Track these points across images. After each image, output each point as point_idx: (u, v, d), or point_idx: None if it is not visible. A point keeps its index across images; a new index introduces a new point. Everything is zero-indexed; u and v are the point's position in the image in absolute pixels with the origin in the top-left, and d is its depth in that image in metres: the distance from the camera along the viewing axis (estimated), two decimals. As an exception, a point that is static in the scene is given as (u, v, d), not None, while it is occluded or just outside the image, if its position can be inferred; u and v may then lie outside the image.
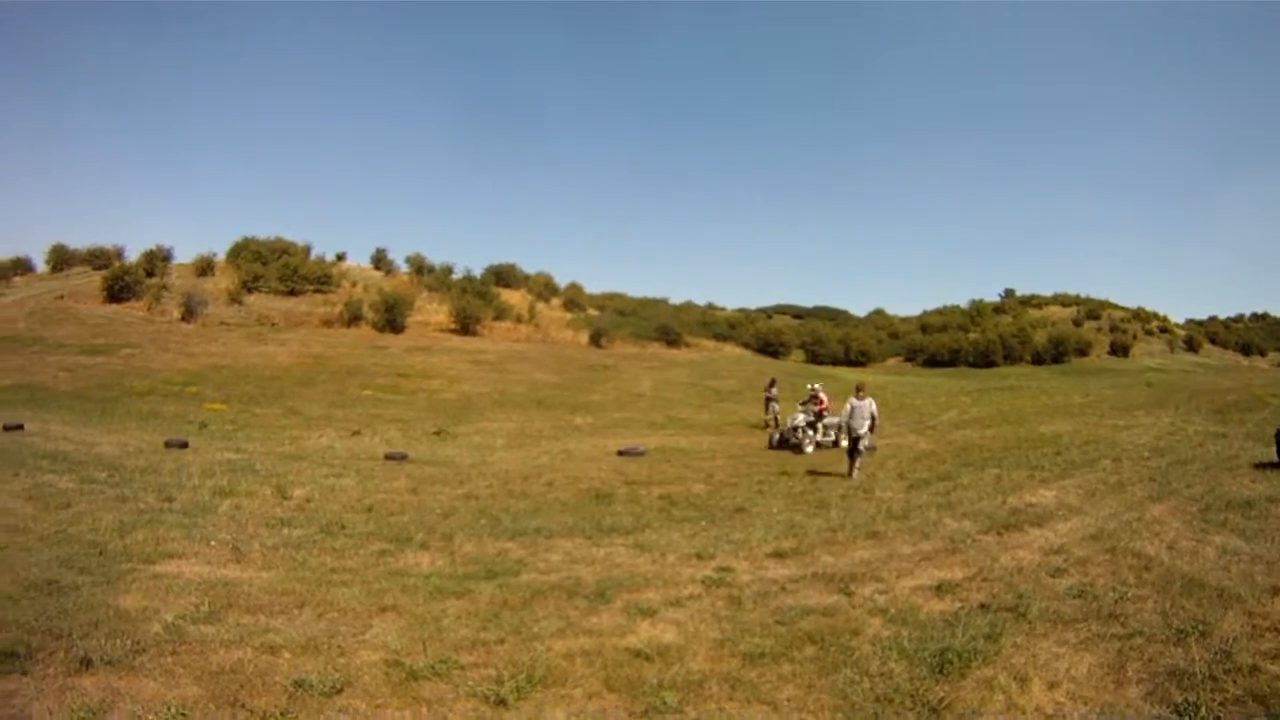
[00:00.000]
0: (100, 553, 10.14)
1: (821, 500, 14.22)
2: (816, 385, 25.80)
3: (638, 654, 6.89)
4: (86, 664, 6.49)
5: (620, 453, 22.73)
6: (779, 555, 10.22)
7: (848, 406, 17.54)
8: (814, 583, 8.94)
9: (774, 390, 31.82)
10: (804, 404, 24.41)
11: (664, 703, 5.90)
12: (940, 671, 6.26)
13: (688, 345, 70.74)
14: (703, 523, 12.69)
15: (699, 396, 42.81)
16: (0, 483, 14.29)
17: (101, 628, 7.33)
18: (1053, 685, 6.11)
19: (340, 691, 6.17)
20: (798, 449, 22.49)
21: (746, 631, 7.35)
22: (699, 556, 10.35)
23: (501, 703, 5.99)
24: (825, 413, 23.54)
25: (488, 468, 19.66)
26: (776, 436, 23.73)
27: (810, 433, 22.82)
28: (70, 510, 12.55)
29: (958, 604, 8.01)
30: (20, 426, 23.37)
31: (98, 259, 76.66)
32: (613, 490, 16.12)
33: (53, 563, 9.50)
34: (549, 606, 8.35)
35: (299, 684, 6.28)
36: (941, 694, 5.93)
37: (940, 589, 8.51)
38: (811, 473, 18.41)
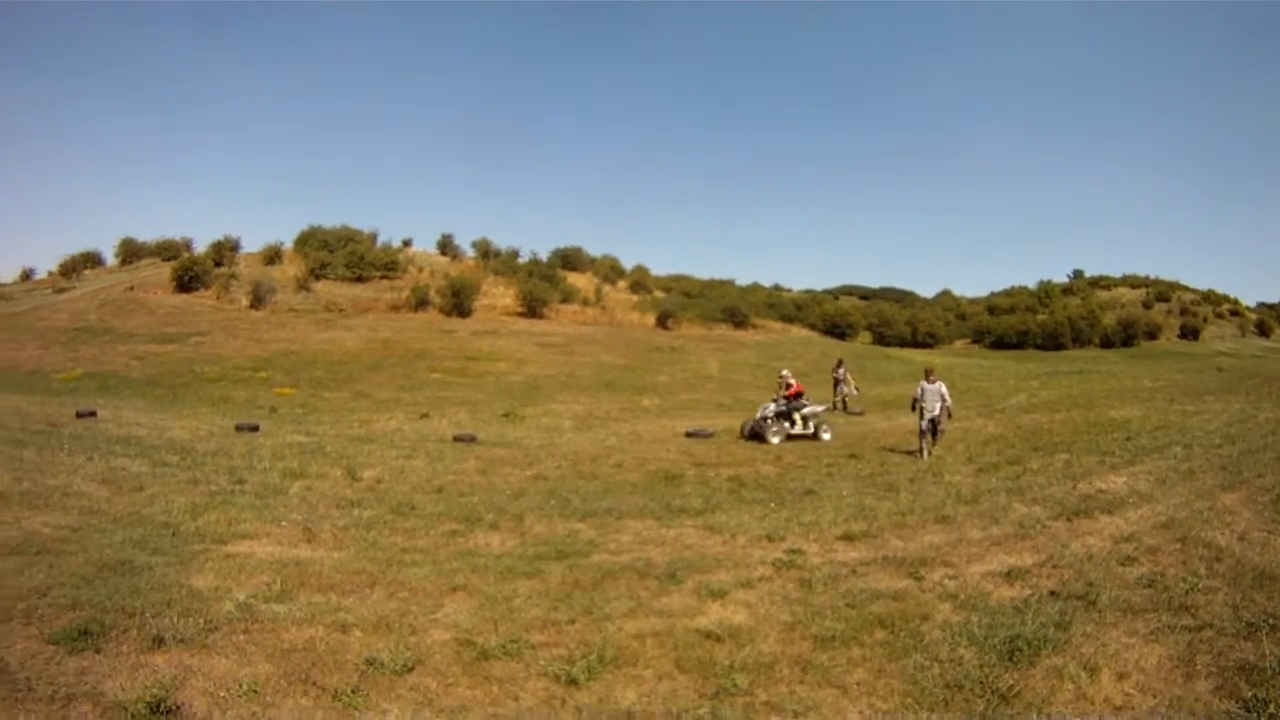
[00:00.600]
0: (173, 534, 10.40)
1: (890, 483, 14.14)
2: (786, 371, 25.37)
3: (708, 635, 6.89)
4: (159, 642, 6.63)
5: (688, 434, 22.89)
6: (849, 538, 10.16)
7: (918, 389, 18.00)
8: (884, 566, 8.87)
9: (842, 371, 31.56)
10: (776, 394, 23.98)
11: (735, 685, 5.90)
12: (1010, 659, 6.20)
13: (754, 327, 70.38)
14: (772, 505, 12.65)
15: (766, 378, 42.69)
16: (75, 467, 14.76)
17: (174, 607, 7.48)
18: (1122, 676, 5.98)
19: (411, 670, 6.22)
20: (763, 439, 21.88)
21: (817, 614, 7.32)
22: (769, 538, 10.31)
23: (573, 682, 6.01)
24: (798, 399, 23.10)
25: (556, 449, 19.85)
26: (748, 426, 22.88)
27: (784, 423, 22.31)
28: (143, 493, 12.91)
29: (1027, 591, 7.87)
30: (93, 413, 24.18)
31: (166, 251, 79.83)
32: (682, 472, 16.15)
33: (126, 544, 9.76)
34: (620, 587, 8.37)
35: (370, 662, 6.35)
36: (1011, 682, 5.87)
37: (1010, 575, 8.38)
38: (885, 451, 18.52)
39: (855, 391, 31.64)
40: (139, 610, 7.33)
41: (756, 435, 22.10)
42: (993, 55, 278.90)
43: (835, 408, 30.00)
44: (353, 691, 5.86)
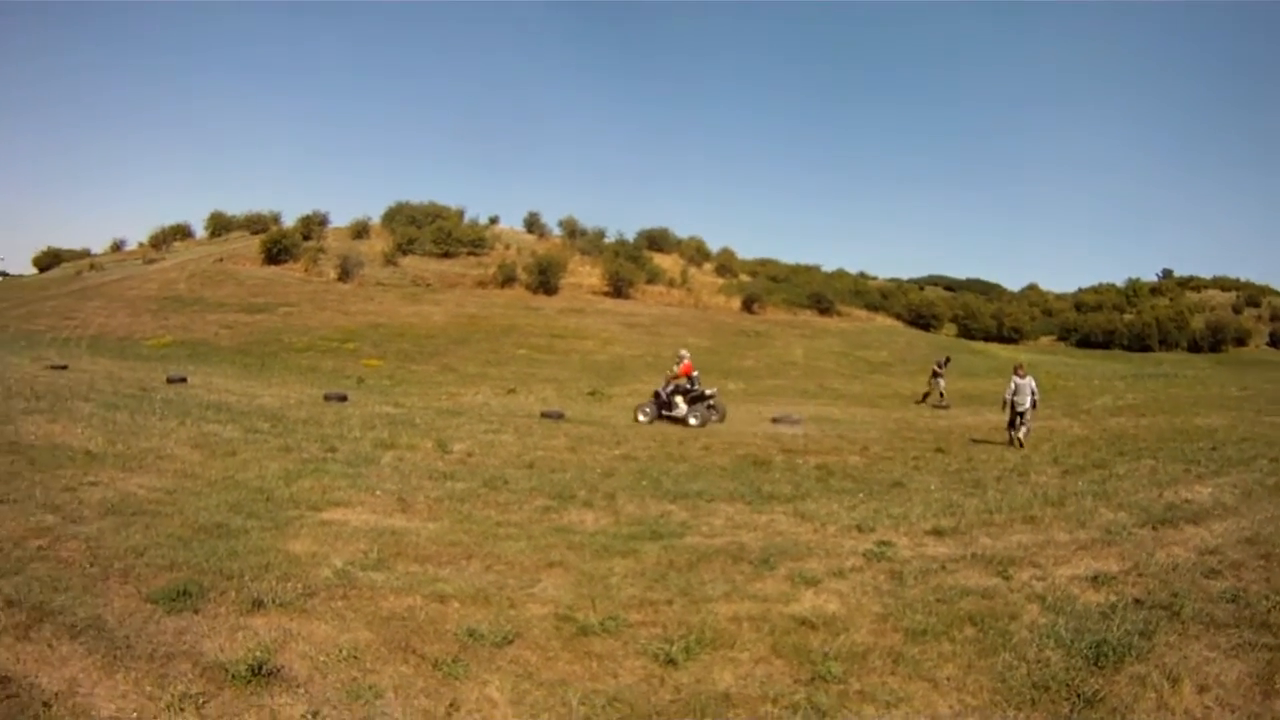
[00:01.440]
0: (267, 499, 10.66)
1: (978, 480, 14.02)
2: (684, 351, 25.52)
3: (803, 622, 6.92)
4: (258, 605, 6.77)
5: (774, 420, 23.10)
6: (938, 533, 10.06)
7: (1011, 384, 19.34)
8: (973, 564, 8.78)
9: (944, 367, 31.01)
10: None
11: (829, 672, 5.93)
12: (1095, 664, 6.16)
13: (839, 314, 69.81)
14: (860, 495, 12.60)
15: (850, 367, 42.65)
16: (167, 431, 15.29)
17: (272, 571, 7.65)
18: (1203, 689, 5.83)
19: (511, 643, 6.30)
20: (680, 421, 22.51)
21: (908, 607, 7.30)
22: (859, 529, 10.28)
23: (671, 662, 6.06)
24: (689, 378, 23.50)
25: (643, 430, 20.13)
26: (653, 409, 23.23)
27: (678, 405, 22.92)
28: (236, 458, 13.30)
29: (1113, 597, 7.69)
30: (184, 379, 25.24)
31: (255, 224, 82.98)
32: (770, 458, 16.19)
33: (221, 507, 10.04)
34: (714, 570, 8.38)
35: (470, 633, 6.41)
36: (1095, 686, 5.84)
37: (1096, 580, 8.19)
38: (971, 446, 18.67)
39: (943, 389, 31.12)
40: (237, 573, 7.51)
41: (668, 417, 22.83)
42: (1090, 46, 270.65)
43: (926, 401, 29.61)
44: (453, 661, 5.92)
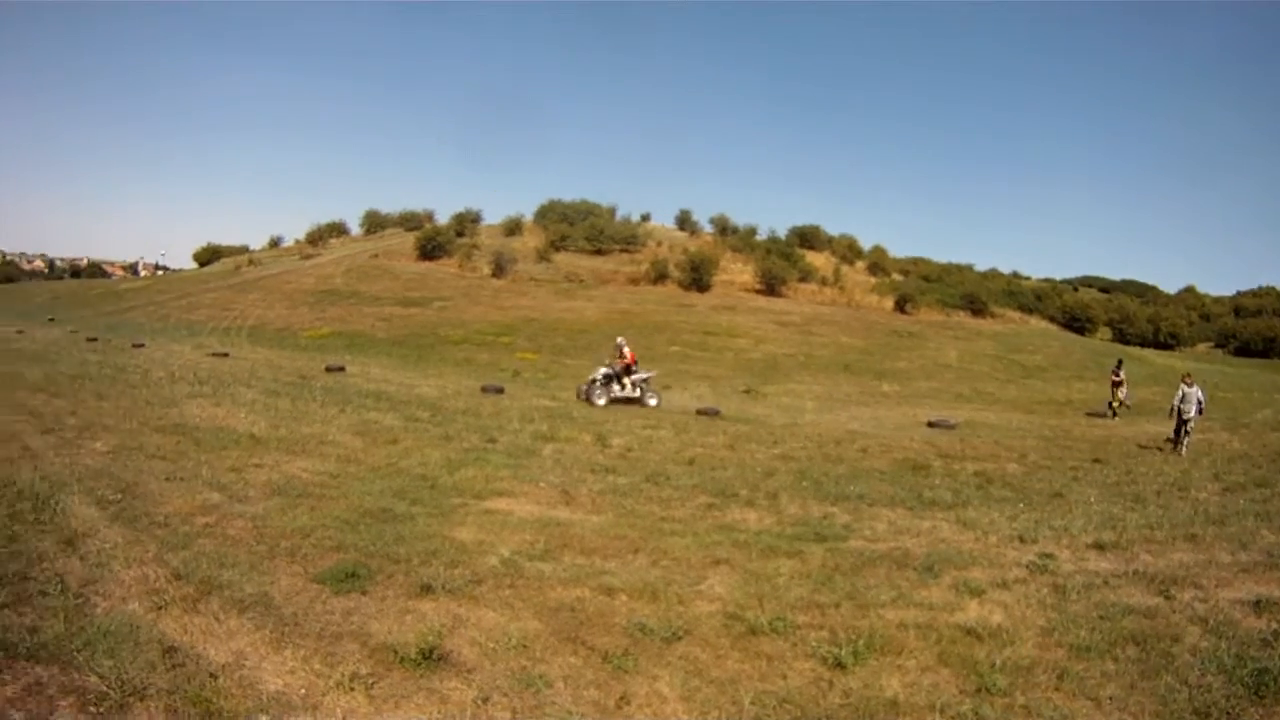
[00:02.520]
0: (431, 486, 10.93)
1: (1138, 494, 13.55)
2: (621, 339, 26.21)
3: (968, 632, 6.89)
4: (427, 589, 6.90)
5: (930, 424, 22.90)
6: (1099, 547, 9.81)
7: (1179, 392, 19.89)
8: (1135, 581, 8.53)
9: (1123, 373, 29.42)
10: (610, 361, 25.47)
11: (995, 685, 5.90)
12: (1256, 693, 5.96)
13: (993, 315, 67.30)
14: (1020, 505, 12.35)
15: (1005, 370, 41.38)
16: (329, 418, 15.92)
17: (439, 557, 7.82)
18: None
19: (680, 639, 6.35)
20: (637, 401, 23.92)
21: (1072, 623, 7.19)
22: (1021, 539, 10.10)
23: (839, 666, 6.06)
24: (632, 367, 24.68)
25: (799, 429, 20.03)
26: (582, 390, 24.51)
27: (612, 387, 24.05)
28: (398, 445, 13.70)
29: (1275, 624, 7.29)
30: (342, 368, 26.47)
31: (409, 222, 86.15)
32: (928, 462, 15.98)
33: (385, 493, 10.33)
34: (879, 575, 8.36)
35: (639, 627, 6.45)
36: (1256, 717, 5.69)
37: (1259, 605, 7.77)
38: (1130, 458, 18.07)
39: (1126, 396, 29.51)
40: (404, 558, 7.71)
41: (588, 398, 23.95)
42: (1262, 41, 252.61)
43: (1112, 413, 28.18)
44: (623, 655, 5.97)
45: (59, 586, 6.52)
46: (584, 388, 24.71)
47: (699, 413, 21.81)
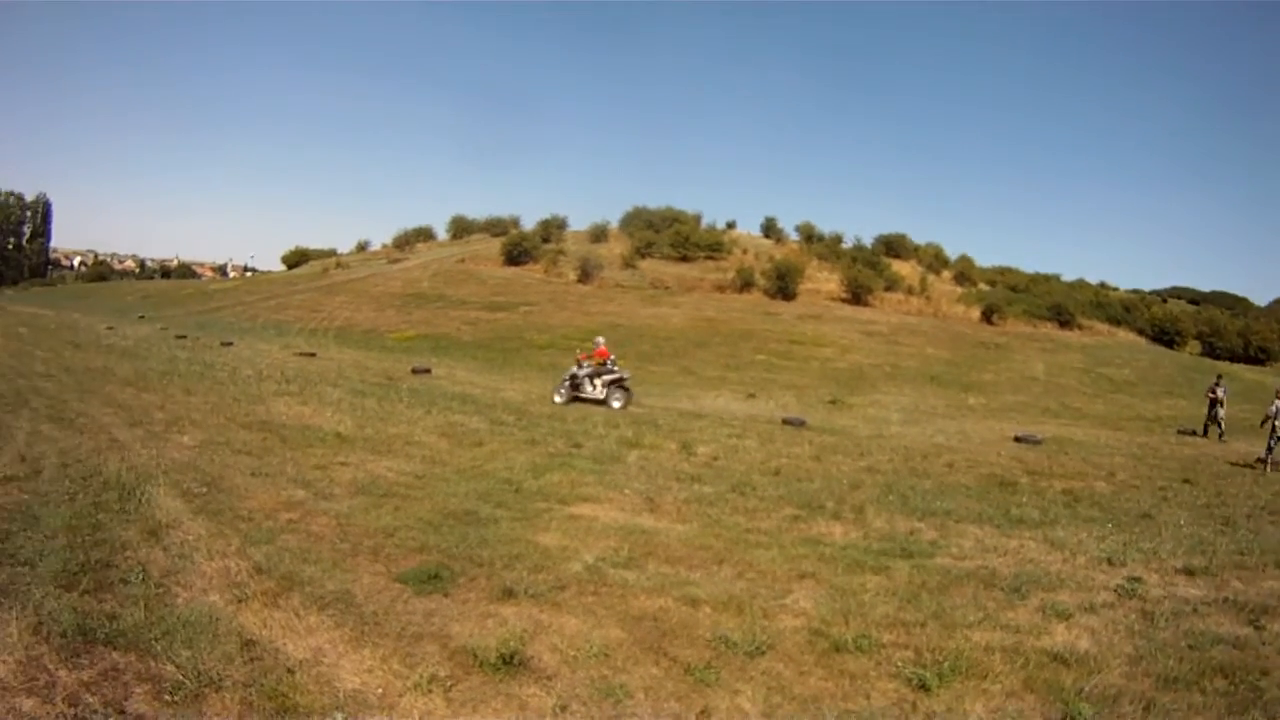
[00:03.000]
0: (515, 490, 10.97)
1: (1228, 517, 13.21)
2: (600, 338, 26.39)
3: (1055, 657, 6.74)
4: (509, 594, 6.90)
5: (1017, 439, 22.42)
6: (1189, 572, 9.55)
7: (1273, 405, 19.99)
8: (1224, 609, 8.37)
9: (1221, 391, 28.02)
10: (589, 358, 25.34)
11: (1081, 713, 5.73)
12: None
13: (1080, 327, 65.40)
14: (1109, 525, 12.01)
15: (1093, 385, 40.46)
16: (414, 419, 16.16)
17: (523, 561, 7.82)
18: None
19: (763, 653, 6.27)
20: (601, 402, 23.67)
21: (1159, 651, 7.03)
22: (1109, 562, 9.85)
23: (923, 687, 5.96)
24: (604, 362, 24.63)
25: (885, 441, 19.66)
26: (562, 388, 24.25)
27: (585, 387, 24.00)
28: (483, 448, 13.83)
29: None
30: (428, 370, 27.00)
31: (495, 228, 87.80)
32: (1015, 479, 15.60)
33: (470, 495, 10.41)
34: (966, 594, 8.20)
35: (722, 640, 6.36)
36: None
37: None
38: (1220, 479, 17.58)
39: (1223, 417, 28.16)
40: (487, 561, 7.74)
41: (578, 398, 23.89)
42: None
43: (1206, 432, 27.04)
44: (705, 667, 5.90)
45: (141, 575, 6.69)
46: (561, 386, 24.68)
47: (785, 422, 21.63)
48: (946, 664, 6.25)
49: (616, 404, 23.67)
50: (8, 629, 5.50)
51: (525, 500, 10.41)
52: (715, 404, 26.09)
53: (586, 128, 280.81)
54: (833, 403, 28.83)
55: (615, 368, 24.84)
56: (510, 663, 5.55)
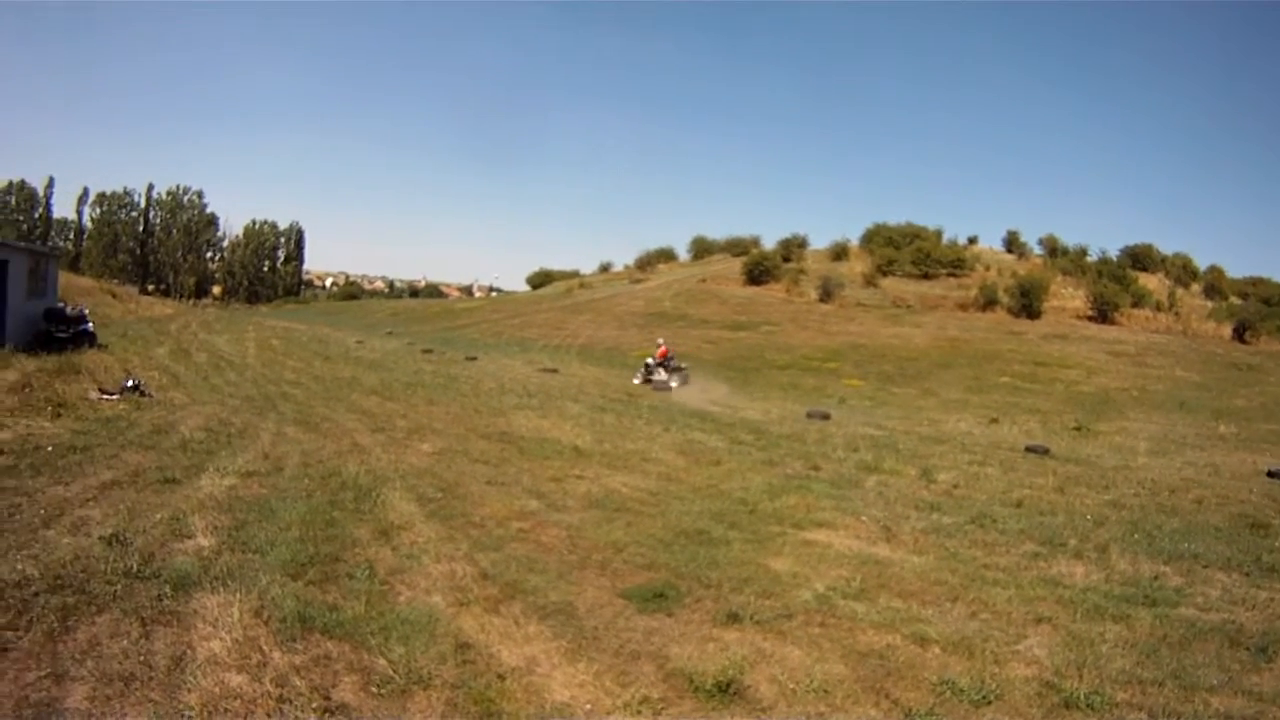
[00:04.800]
0: (750, 511, 10.81)
1: None
2: (660, 339, 35.64)
3: None
4: (734, 618, 6.76)
5: (1270, 474, 20.11)
6: None
7: None
8: None
9: None
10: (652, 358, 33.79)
11: None
12: None
13: None
14: None
15: None
16: (654, 435, 16.39)
17: (751, 585, 7.65)
18: None
19: (989, 703, 5.91)
20: (658, 386, 30.71)
21: None
22: None
23: None
24: (668, 359, 33.02)
25: (1131, 473, 18.21)
26: (639, 375, 32.81)
27: (660, 372, 32.06)
28: (720, 467, 13.75)
29: None
30: (669, 388, 27.01)
31: (735, 247, 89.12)
32: (1268, 520, 13.97)
33: (704, 514, 10.33)
34: (1208, 652, 7.40)
35: (948, 685, 6.03)
36: None
37: None
38: None
39: None
40: (715, 582, 7.62)
41: (649, 382, 31.60)
42: None
43: None
44: (927, 714, 5.62)
45: (367, 572, 7.01)
46: (639, 374, 32.91)
47: (1028, 450, 20.57)
48: (1186, 733, 5.79)
49: (675, 384, 31.10)
50: (230, 610, 5.87)
51: (759, 522, 10.24)
52: (957, 428, 25.21)
53: (821, 143, 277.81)
54: (1077, 429, 27.33)
55: (674, 362, 33.14)
56: (726, 691, 5.42)
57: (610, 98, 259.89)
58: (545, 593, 6.87)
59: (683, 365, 33.79)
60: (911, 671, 6.19)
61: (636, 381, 31.63)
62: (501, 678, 5.31)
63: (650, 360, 33.09)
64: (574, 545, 8.45)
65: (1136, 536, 11.71)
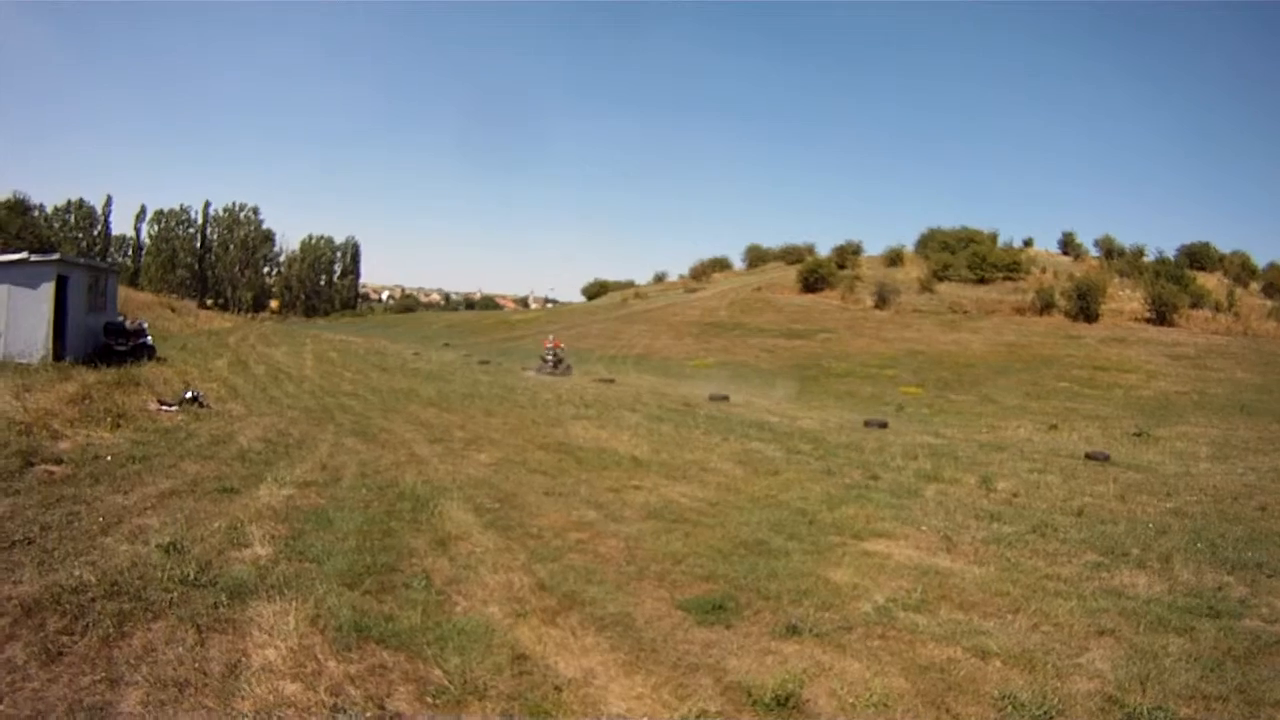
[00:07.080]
0: (810, 522, 10.71)
1: None
2: (551, 335, 42.06)
3: None
4: (793, 631, 6.68)
5: None
6: None
7: None
8: None
9: None
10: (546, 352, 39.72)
11: None
12: None
13: None
14: None
15: None
16: (711, 445, 16.35)
17: (811, 597, 7.57)
18: None
19: (1051, 718, 5.78)
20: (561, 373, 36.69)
21: None
22: None
23: None
24: (559, 349, 39.34)
25: (1193, 480, 17.85)
26: (534, 369, 37.99)
27: (545, 362, 38.17)
28: (779, 477, 13.67)
29: None
30: (725, 397, 27.47)
31: (790, 255, 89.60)
32: None
33: (762, 525, 10.27)
34: (1274, 665, 7.15)
35: (1009, 699, 5.89)
36: None
37: None
38: None
39: None
40: (774, 594, 7.55)
41: (543, 371, 36.93)
42: None
43: None
44: None
45: (423, 582, 7.06)
46: (534, 369, 38.01)
47: (1088, 457, 20.21)
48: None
49: (563, 375, 36.28)
50: (286, 618, 5.93)
51: (818, 533, 10.14)
52: (1016, 435, 25.00)
53: (875, 148, 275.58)
54: (1138, 435, 26.86)
55: (561, 353, 39.23)
56: (784, 704, 5.35)
57: (664, 107, 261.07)
58: (603, 604, 6.85)
59: (567, 358, 40.30)
60: (972, 685, 6.08)
61: (532, 373, 36.23)
62: (558, 689, 5.30)
63: (551, 354, 38.75)
64: (632, 556, 8.43)
65: (1199, 545, 11.46)
